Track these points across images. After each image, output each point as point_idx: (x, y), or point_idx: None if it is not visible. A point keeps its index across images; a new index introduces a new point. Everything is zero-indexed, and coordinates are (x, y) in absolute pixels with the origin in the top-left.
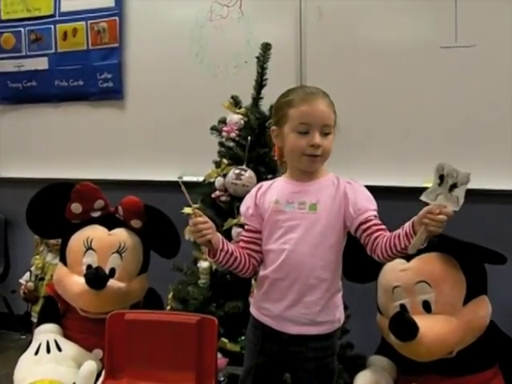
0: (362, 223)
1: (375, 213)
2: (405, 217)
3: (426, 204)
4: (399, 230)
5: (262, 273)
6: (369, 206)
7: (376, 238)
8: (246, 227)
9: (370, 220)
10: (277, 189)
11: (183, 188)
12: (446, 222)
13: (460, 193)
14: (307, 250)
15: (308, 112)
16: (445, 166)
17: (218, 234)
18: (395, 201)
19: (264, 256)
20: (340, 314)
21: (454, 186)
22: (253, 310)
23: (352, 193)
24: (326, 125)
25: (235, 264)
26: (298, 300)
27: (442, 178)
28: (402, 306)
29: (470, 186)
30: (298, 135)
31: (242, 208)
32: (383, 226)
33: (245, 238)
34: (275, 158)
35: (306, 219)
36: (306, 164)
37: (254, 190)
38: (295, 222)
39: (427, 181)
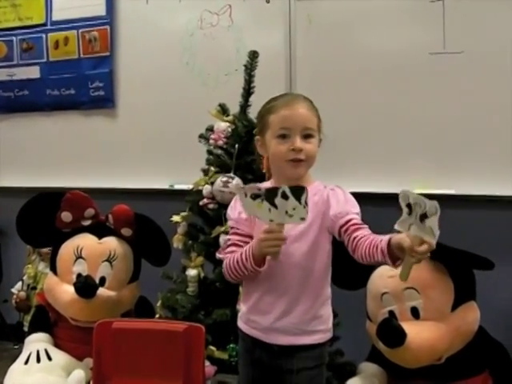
0: (341, 226)
1: (357, 216)
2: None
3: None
4: (378, 240)
5: (249, 285)
6: (350, 208)
7: (355, 238)
8: (236, 231)
9: (350, 220)
10: None
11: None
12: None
13: (432, 223)
14: (294, 260)
15: (288, 116)
16: (409, 194)
17: None
18: (387, 207)
19: None
20: (331, 323)
21: (424, 216)
22: (240, 324)
23: (333, 198)
24: (307, 128)
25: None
26: (288, 311)
27: (409, 206)
28: (391, 313)
29: (458, 191)
30: (278, 141)
31: (234, 213)
32: (364, 226)
33: (239, 243)
34: (263, 171)
35: (292, 229)
36: (289, 170)
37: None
38: None
39: (419, 187)
